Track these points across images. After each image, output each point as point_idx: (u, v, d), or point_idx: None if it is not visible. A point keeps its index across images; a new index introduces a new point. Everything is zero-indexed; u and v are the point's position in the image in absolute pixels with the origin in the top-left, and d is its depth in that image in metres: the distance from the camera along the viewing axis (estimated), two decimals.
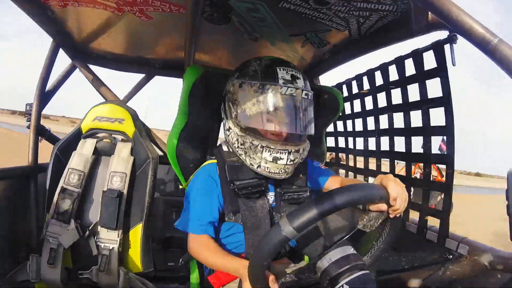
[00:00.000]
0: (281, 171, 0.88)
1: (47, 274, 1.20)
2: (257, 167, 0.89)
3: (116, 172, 1.30)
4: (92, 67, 1.63)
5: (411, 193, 1.19)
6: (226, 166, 0.94)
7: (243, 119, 0.89)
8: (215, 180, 0.94)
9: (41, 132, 1.49)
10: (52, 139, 1.58)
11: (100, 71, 1.68)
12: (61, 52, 1.48)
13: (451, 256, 0.92)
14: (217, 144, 1.16)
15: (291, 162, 0.87)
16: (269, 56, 0.95)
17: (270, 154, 0.85)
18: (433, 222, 1.04)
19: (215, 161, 0.97)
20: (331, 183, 1.03)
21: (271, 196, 0.97)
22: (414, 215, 1.14)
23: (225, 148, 1.01)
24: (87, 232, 1.23)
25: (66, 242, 1.21)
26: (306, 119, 0.91)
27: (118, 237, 1.25)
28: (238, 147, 0.90)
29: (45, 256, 1.20)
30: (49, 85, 1.51)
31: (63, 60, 1.60)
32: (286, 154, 0.86)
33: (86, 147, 1.34)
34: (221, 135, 1.12)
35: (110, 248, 1.24)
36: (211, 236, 0.89)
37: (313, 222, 0.59)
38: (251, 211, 0.91)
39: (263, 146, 0.85)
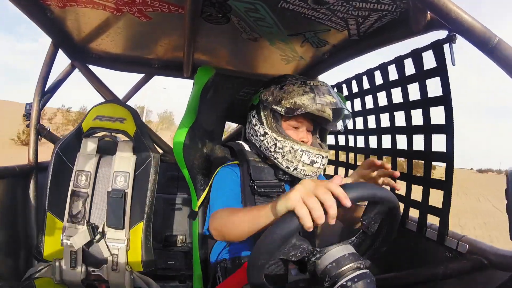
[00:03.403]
0: (314, 174, 0.98)
1: (69, 276, 1.24)
2: (293, 170, 0.97)
3: (119, 171, 1.31)
4: (91, 67, 1.63)
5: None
6: (250, 166, 1.00)
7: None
8: (237, 177, 1.00)
9: (41, 131, 1.50)
10: (52, 138, 1.58)
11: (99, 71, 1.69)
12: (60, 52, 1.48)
13: (450, 255, 0.92)
14: (220, 144, 1.16)
15: (323, 166, 1.00)
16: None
17: (309, 158, 0.95)
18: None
19: (237, 162, 1.03)
20: None
21: None
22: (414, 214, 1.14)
23: (247, 148, 1.07)
24: (97, 233, 1.26)
25: (78, 242, 1.22)
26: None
27: (125, 236, 1.27)
28: (275, 151, 0.97)
29: (67, 259, 1.24)
30: (48, 85, 1.52)
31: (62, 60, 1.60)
32: (321, 158, 0.97)
33: (89, 147, 1.35)
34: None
35: (119, 247, 1.27)
36: None
37: None
38: None
39: (303, 150, 0.95)
